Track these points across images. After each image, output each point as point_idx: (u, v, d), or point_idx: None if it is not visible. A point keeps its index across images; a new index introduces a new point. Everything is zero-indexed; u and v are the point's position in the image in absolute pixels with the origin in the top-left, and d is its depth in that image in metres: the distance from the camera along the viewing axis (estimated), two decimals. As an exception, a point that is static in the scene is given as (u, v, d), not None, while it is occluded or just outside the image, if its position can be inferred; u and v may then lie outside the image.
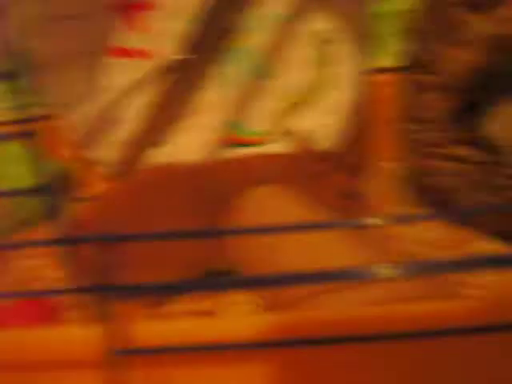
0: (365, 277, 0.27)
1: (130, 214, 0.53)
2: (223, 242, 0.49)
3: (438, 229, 0.61)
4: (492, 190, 0.57)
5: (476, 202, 0.57)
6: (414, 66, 0.60)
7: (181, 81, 0.76)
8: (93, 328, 0.28)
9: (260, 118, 0.63)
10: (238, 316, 0.49)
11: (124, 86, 0.71)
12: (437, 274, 0.48)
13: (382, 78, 0.74)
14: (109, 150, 0.75)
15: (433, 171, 0.60)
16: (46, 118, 0.75)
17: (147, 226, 0.52)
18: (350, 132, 0.68)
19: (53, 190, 0.24)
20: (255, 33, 0.75)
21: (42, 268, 0.61)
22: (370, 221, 0.30)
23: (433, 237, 0.60)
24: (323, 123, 0.74)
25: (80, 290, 0.27)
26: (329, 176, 0.58)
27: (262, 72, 0.77)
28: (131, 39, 0.78)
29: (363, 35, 0.70)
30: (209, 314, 0.52)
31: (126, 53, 0.79)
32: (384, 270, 0.27)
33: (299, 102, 0.77)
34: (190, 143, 0.78)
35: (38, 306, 0.52)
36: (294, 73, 0.76)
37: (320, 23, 0.74)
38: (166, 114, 0.77)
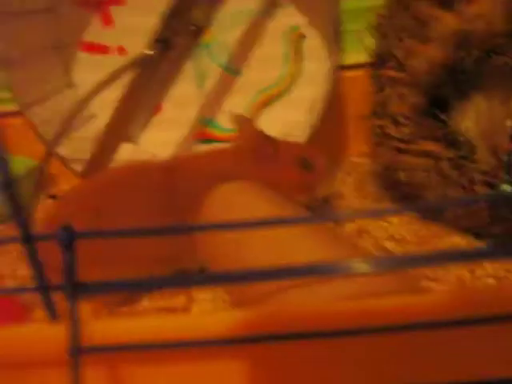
0: (335, 272, 0.27)
1: (94, 211, 0.53)
2: (192, 240, 0.49)
3: (410, 225, 0.62)
4: (462, 185, 0.57)
5: (447, 198, 0.57)
6: (384, 62, 0.60)
7: (151, 76, 0.76)
8: (57, 326, 0.27)
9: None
10: (206, 313, 0.49)
11: (93, 81, 0.70)
12: (408, 269, 0.49)
13: (352, 73, 0.74)
14: (79, 147, 0.74)
15: (404, 167, 0.60)
16: (13, 114, 0.74)
17: (112, 224, 0.51)
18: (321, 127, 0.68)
19: (18, 188, 0.24)
20: (227, 28, 0.75)
21: (10, 265, 0.61)
22: (339, 215, 0.30)
23: (404, 232, 0.61)
24: (295, 119, 0.74)
25: (45, 287, 0.26)
26: (280, 163, 0.58)
27: (234, 68, 0.76)
28: (101, 34, 0.77)
29: (334, 31, 0.70)
30: (179, 310, 0.52)
31: (95, 48, 0.78)
32: (355, 265, 0.26)
33: (271, 98, 0.77)
34: (160, 139, 0.77)
35: (9, 303, 0.52)
36: (267, 68, 0.76)
37: (292, 19, 0.74)
38: (137, 109, 0.77)
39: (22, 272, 0.60)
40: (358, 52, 0.70)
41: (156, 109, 0.79)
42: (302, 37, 0.75)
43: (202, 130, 0.78)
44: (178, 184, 0.56)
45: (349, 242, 0.53)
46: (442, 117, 0.58)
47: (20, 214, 0.24)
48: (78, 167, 0.73)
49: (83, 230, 0.26)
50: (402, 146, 0.59)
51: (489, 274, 0.53)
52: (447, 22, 0.54)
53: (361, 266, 0.26)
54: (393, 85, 0.59)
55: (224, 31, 0.76)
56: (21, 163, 0.73)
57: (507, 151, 0.52)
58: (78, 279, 0.25)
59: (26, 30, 0.72)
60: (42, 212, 0.59)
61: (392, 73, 0.58)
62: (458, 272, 0.54)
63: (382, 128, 0.61)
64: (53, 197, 0.74)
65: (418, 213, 0.63)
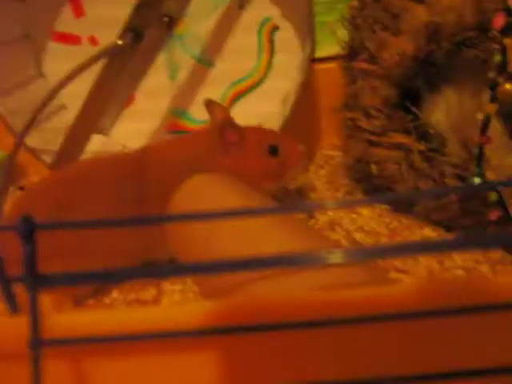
0: (304, 262, 0.27)
1: (58, 203, 0.52)
2: (161, 232, 0.48)
3: (381, 217, 0.62)
4: (433, 178, 0.57)
5: (417, 190, 0.58)
6: (357, 54, 0.60)
7: (123, 67, 0.75)
8: (18, 318, 0.27)
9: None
10: (175, 304, 0.48)
11: (65, 72, 0.69)
12: (377, 260, 0.49)
13: (325, 66, 0.74)
14: (49, 138, 0.73)
15: (375, 159, 0.60)
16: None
17: (78, 217, 0.51)
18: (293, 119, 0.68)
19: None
20: (201, 19, 0.75)
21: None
22: (307, 206, 0.29)
23: (375, 225, 0.61)
24: (269, 110, 0.74)
25: (5, 279, 0.26)
26: (246, 151, 0.57)
27: (208, 59, 0.76)
28: (72, 24, 0.76)
29: (307, 23, 0.70)
30: (149, 303, 0.52)
31: (66, 38, 0.77)
32: (324, 256, 0.26)
33: (245, 90, 0.77)
34: (132, 130, 0.77)
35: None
36: (240, 60, 0.76)
37: (265, 11, 0.74)
38: (108, 100, 0.76)
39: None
40: (331, 44, 0.70)
41: (128, 100, 0.78)
42: (276, 28, 0.74)
43: (174, 122, 0.78)
44: (148, 176, 0.55)
45: (318, 233, 0.53)
46: (414, 109, 0.59)
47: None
48: (48, 159, 0.72)
49: (46, 221, 0.26)
50: (374, 138, 0.59)
51: (458, 265, 0.54)
52: (418, 14, 0.54)
53: (330, 256, 0.26)
54: (365, 77, 0.59)
55: (197, 22, 0.75)
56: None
57: (478, 144, 0.52)
58: (38, 271, 0.25)
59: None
60: (7, 204, 0.59)
61: (364, 65, 0.58)
62: (427, 264, 0.54)
63: (354, 120, 0.61)
64: (22, 188, 0.73)
65: (388, 205, 0.63)
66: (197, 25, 0.75)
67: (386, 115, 0.58)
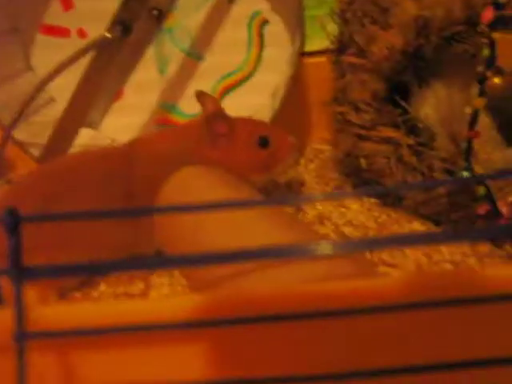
0: (292, 255, 0.27)
1: (46, 197, 0.51)
2: (148, 225, 0.48)
3: (370, 211, 0.62)
4: (422, 172, 0.57)
5: (406, 183, 0.58)
6: (346, 48, 0.60)
7: (112, 61, 0.74)
8: (3, 311, 0.27)
9: (195, 101, 0.62)
10: (163, 297, 0.48)
11: (53, 64, 0.69)
12: (365, 252, 0.49)
13: (315, 60, 0.74)
14: (37, 131, 0.72)
15: (364, 153, 0.60)
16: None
17: (65, 210, 0.51)
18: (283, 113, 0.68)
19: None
20: (190, 13, 0.74)
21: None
22: (294, 198, 0.29)
23: (363, 219, 0.61)
24: (259, 102, 0.74)
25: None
26: (236, 142, 0.57)
27: (197, 53, 0.76)
28: (61, 17, 0.76)
29: (297, 17, 0.70)
30: (137, 296, 0.52)
31: (55, 31, 0.77)
32: (312, 248, 0.26)
33: (234, 84, 0.76)
34: (122, 125, 0.76)
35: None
36: (229, 54, 0.75)
37: (255, 4, 0.74)
38: (97, 94, 0.75)
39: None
40: (320, 38, 0.70)
41: (117, 94, 0.78)
42: (265, 22, 0.74)
43: (164, 116, 0.78)
44: (136, 169, 0.55)
45: (306, 226, 0.53)
46: (402, 103, 0.59)
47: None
48: (36, 152, 0.72)
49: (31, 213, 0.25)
50: (363, 132, 0.59)
51: (446, 259, 0.54)
52: (407, 8, 0.54)
53: (318, 248, 0.26)
54: (354, 71, 0.59)
55: (187, 16, 0.75)
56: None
57: (466, 138, 0.52)
58: (23, 263, 0.25)
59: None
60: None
61: (353, 59, 0.58)
62: (415, 258, 0.54)
63: (343, 114, 0.61)
64: (9, 182, 0.73)
65: (377, 199, 0.63)
66: (186, 18, 0.75)
67: (375, 109, 0.58)
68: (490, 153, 0.56)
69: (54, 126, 0.73)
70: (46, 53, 0.76)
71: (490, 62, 0.48)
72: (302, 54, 0.73)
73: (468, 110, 0.50)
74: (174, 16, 0.75)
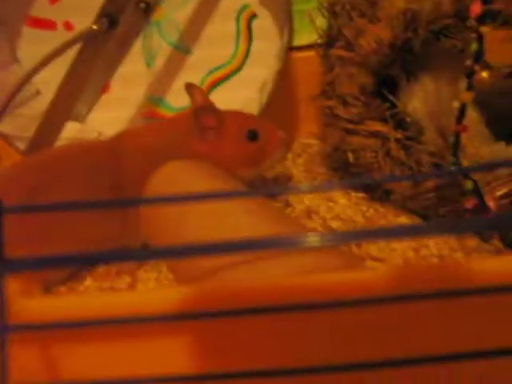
0: (278, 246, 0.26)
1: (30, 189, 0.51)
2: (133, 218, 0.48)
3: (357, 205, 0.62)
4: (410, 166, 0.57)
5: (392, 176, 0.58)
6: (334, 42, 0.60)
7: (99, 54, 0.74)
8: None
9: (183, 94, 0.62)
10: (149, 289, 0.48)
11: (39, 57, 0.68)
12: (351, 244, 0.49)
13: (303, 54, 0.74)
14: (22, 124, 0.72)
15: (352, 147, 0.60)
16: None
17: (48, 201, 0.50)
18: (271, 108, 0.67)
19: None
20: (178, 6, 0.74)
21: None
22: (278, 190, 0.29)
23: (351, 213, 0.61)
24: (247, 96, 0.74)
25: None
26: (225, 136, 0.57)
27: (185, 46, 0.75)
28: (47, 9, 0.75)
29: (285, 11, 0.69)
30: (124, 290, 0.51)
31: (41, 23, 0.76)
32: (298, 240, 0.26)
33: (222, 78, 0.76)
34: (109, 118, 0.76)
35: None
36: (217, 47, 0.75)
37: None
38: (84, 87, 0.75)
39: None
40: (309, 32, 0.70)
41: (104, 87, 0.77)
42: (253, 16, 0.74)
43: (151, 110, 0.77)
44: (124, 163, 0.55)
45: (294, 219, 0.53)
46: (391, 97, 0.58)
47: None
48: (22, 145, 0.71)
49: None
50: (351, 126, 0.59)
51: (433, 253, 0.54)
52: (395, 1, 0.54)
53: (305, 240, 0.26)
54: (342, 64, 0.59)
55: (175, 9, 0.74)
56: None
57: (454, 133, 0.52)
58: (5, 255, 0.24)
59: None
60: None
61: (341, 52, 0.58)
62: (402, 252, 0.54)
63: (331, 109, 0.61)
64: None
65: (365, 193, 0.63)
66: (174, 11, 0.74)
67: (363, 103, 0.58)
68: (478, 147, 0.56)
69: (40, 119, 0.72)
70: (32, 45, 0.75)
71: (478, 57, 0.48)
72: (291, 48, 0.73)
73: (456, 104, 0.50)
74: (161, 9, 0.75)
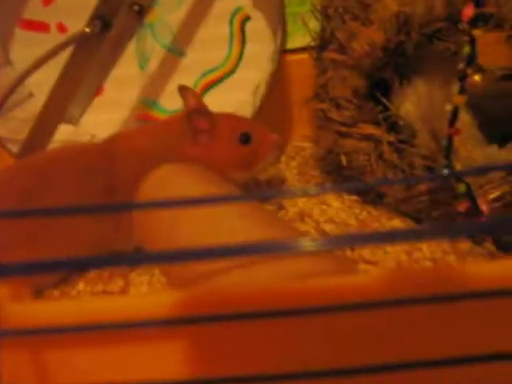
0: (272, 251, 0.26)
1: (23, 193, 0.51)
2: (126, 222, 0.48)
3: (350, 208, 0.62)
4: (403, 169, 0.57)
5: (385, 179, 0.58)
6: (327, 45, 0.60)
7: (92, 56, 0.74)
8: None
9: (176, 97, 0.62)
10: (141, 294, 0.48)
11: (32, 59, 0.68)
12: (344, 248, 0.49)
13: (296, 57, 0.74)
14: (15, 127, 0.72)
15: (345, 150, 0.60)
16: None
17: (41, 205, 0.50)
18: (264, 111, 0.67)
19: None
20: (172, 8, 0.74)
21: None
22: (276, 193, 0.29)
23: (344, 216, 0.61)
24: (240, 99, 0.73)
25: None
26: (217, 139, 0.57)
27: (178, 49, 0.75)
28: (40, 12, 0.75)
29: (279, 14, 0.69)
30: (116, 294, 0.51)
31: (34, 26, 0.76)
32: (292, 244, 0.26)
33: (216, 80, 0.76)
34: (102, 121, 0.76)
35: None
36: (211, 50, 0.75)
37: (237, 0, 0.73)
38: (77, 89, 0.74)
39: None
40: (302, 35, 0.70)
41: (97, 90, 0.77)
42: (247, 18, 0.74)
43: (144, 112, 0.77)
44: (117, 166, 0.54)
45: (287, 223, 0.53)
46: (383, 100, 0.59)
47: None
48: (14, 148, 0.71)
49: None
50: (344, 129, 0.59)
51: (426, 256, 0.54)
52: (388, 4, 0.54)
53: (298, 244, 0.26)
54: (335, 67, 0.59)
55: (168, 11, 0.74)
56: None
57: (446, 136, 0.52)
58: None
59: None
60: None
61: (334, 55, 0.58)
62: (395, 255, 0.54)
63: (325, 111, 0.61)
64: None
65: (358, 196, 0.63)
66: (168, 14, 0.74)
67: (355, 106, 0.58)
68: (471, 150, 0.57)
69: (33, 122, 0.72)
70: (26, 48, 0.75)
71: (471, 60, 0.48)
72: (284, 51, 0.73)
73: (448, 107, 0.50)
74: (155, 11, 0.74)
